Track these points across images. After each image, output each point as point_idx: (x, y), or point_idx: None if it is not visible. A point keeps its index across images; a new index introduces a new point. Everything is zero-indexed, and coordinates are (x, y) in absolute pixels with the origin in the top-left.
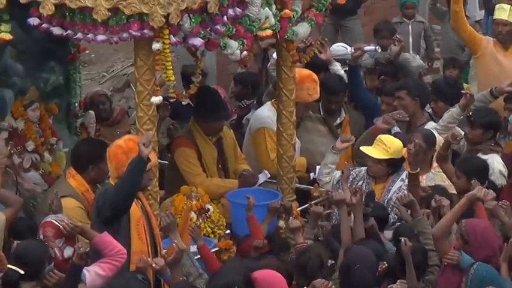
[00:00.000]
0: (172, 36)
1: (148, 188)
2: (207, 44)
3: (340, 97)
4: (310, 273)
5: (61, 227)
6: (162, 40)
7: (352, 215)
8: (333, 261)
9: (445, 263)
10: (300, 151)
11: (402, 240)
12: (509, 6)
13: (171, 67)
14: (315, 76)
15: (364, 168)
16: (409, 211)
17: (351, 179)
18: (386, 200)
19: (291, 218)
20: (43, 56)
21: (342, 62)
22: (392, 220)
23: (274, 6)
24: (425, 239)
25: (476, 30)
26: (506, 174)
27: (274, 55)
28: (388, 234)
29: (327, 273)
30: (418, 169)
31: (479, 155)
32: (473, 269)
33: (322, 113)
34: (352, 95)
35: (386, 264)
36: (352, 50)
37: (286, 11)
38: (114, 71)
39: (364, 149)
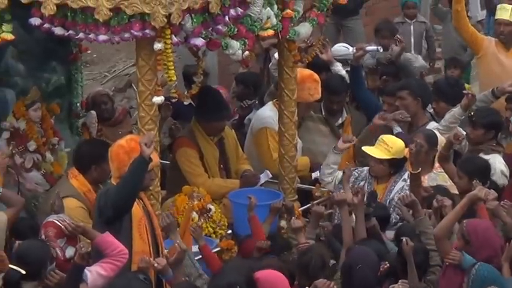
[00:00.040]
0: (174, 36)
1: (150, 188)
2: (208, 44)
3: (341, 97)
4: (312, 273)
5: (63, 227)
6: (163, 40)
7: (353, 215)
8: (335, 261)
9: (447, 263)
10: (302, 151)
11: (404, 240)
12: (511, 6)
13: (172, 67)
14: (316, 76)
15: (366, 168)
16: (411, 211)
17: (352, 179)
18: (388, 200)
19: (292, 218)
20: (45, 56)
21: (344, 62)
22: (394, 220)
23: (275, 6)
24: (427, 239)
25: (478, 31)
26: (507, 174)
27: (276, 55)
28: (390, 234)
29: (328, 273)
30: (420, 169)
31: (481, 155)
32: (475, 269)
33: (323, 113)
34: (353, 95)
35: (388, 264)
36: (354, 50)
37: (288, 11)
38: (115, 71)
39: (366, 149)
